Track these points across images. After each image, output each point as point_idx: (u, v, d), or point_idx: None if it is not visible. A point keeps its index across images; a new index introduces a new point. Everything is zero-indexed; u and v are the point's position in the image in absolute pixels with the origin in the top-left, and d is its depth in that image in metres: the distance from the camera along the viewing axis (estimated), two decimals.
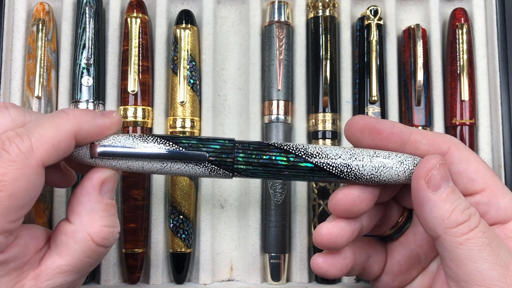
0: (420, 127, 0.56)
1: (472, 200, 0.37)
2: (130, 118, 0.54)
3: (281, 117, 0.56)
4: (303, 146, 0.38)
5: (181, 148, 0.37)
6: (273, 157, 0.38)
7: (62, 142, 0.34)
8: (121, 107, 0.55)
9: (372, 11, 0.57)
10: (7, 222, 0.32)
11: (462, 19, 0.58)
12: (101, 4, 0.56)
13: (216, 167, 0.38)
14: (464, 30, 0.57)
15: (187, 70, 0.55)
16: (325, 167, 0.37)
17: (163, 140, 0.38)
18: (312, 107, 0.56)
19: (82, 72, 0.54)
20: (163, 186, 0.55)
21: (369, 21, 0.57)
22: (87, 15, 0.54)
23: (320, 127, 0.56)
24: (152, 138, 0.38)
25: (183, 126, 0.54)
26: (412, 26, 0.57)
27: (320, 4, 0.57)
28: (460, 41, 0.57)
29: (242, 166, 0.38)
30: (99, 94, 0.54)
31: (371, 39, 0.56)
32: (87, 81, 0.54)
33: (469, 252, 0.33)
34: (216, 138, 0.39)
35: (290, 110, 0.57)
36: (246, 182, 0.56)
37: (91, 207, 0.37)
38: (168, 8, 0.58)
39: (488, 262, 0.33)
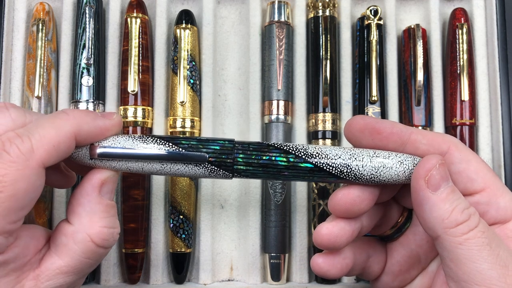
0: (420, 127, 0.56)
1: (472, 200, 0.37)
2: (130, 118, 0.54)
3: (281, 117, 0.56)
4: (303, 147, 0.38)
5: (180, 149, 0.37)
6: (273, 158, 0.38)
7: (62, 143, 0.34)
8: (121, 107, 0.55)
9: (372, 11, 0.57)
10: (8, 223, 0.32)
11: (462, 19, 0.58)
12: (101, 4, 0.56)
13: (216, 168, 0.38)
14: (464, 30, 0.57)
15: (187, 70, 0.55)
16: (325, 168, 0.37)
17: (162, 141, 0.38)
18: (312, 107, 0.56)
19: (82, 72, 0.54)
20: (163, 186, 0.55)
21: (369, 21, 0.57)
22: (87, 15, 0.54)
23: (320, 127, 0.56)
24: (151, 139, 0.38)
25: (183, 126, 0.54)
26: (412, 26, 0.57)
27: (320, 4, 0.57)
28: (460, 41, 0.57)
29: (242, 167, 0.38)
30: (99, 94, 0.54)
31: (371, 39, 0.56)
32: (87, 81, 0.54)
33: (469, 252, 0.33)
34: (215, 138, 0.39)
35: (290, 110, 0.57)
36: (246, 182, 0.56)
37: (91, 208, 0.37)
38: (168, 8, 0.58)
39: (487, 262, 0.33)
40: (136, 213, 0.53)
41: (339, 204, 0.38)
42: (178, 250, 0.54)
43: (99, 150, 0.37)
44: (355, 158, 0.37)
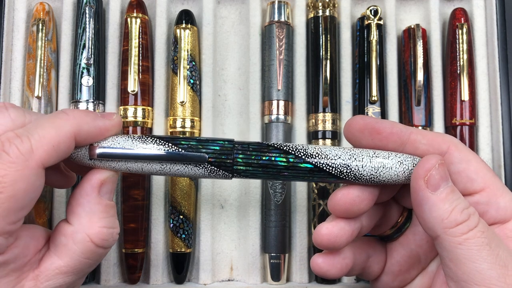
0: (420, 127, 0.56)
1: (472, 200, 0.37)
2: (130, 118, 0.54)
3: (281, 117, 0.56)
4: (303, 147, 0.38)
5: (180, 150, 0.37)
6: (273, 158, 0.38)
7: (62, 143, 0.34)
8: (121, 107, 0.55)
9: (372, 11, 0.57)
10: (7, 223, 0.32)
11: (462, 19, 0.58)
12: (101, 4, 0.56)
13: (215, 168, 0.38)
14: (464, 30, 0.57)
15: (187, 70, 0.55)
16: (324, 168, 0.37)
17: (162, 142, 0.38)
18: (312, 107, 0.56)
19: (82, 72, 0.54)
20: (163, 186, 0.55)
21: (369, 21, 0.57)
22: (87, 15, 0.54)
23: (320, 127, 0.56)
24: (151, 139, 0.38)
25: (183, 126, 0.55)
26: (412, 26, 0.57)
27: (320, 4, 0.57)
28: (460, 41, 0.57)
29: (241, 167, 0.38)
30: (99, 94, 0.54)
31: (371, 39, 0.56)
32: (87, 81, 0.54)
33: (468, 252, 0.33)
34: (215, 139, 0.39)
35: (290, 110, 0.57)
36: (246, 182, 0.56)
37: (90, 208, 0.37)
38: (168, 8, 0.58)
39: (487, 262, 0.33)
40: (136, 213, 0.53)
41: (339, 204, 0.38)
42: (178, 250, 0.54)
43: (98, 151, 0.37)
44: (355, 158, 0.37)
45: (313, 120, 0.56)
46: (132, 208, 0.53)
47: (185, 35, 0.56)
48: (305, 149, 0.38)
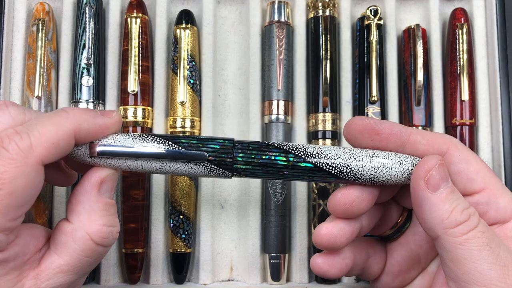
0: (420, 127, 0.56)
1: (472, 200, 0.37)
2: (130, 118, 0.54)
3: (281, 117, 0.56)
4: (303, 146, 0.38)
5: (180, 148, 0.37)
6: (273, 157, 0.38)
7: (61, 141, 0.34)
8: (121, 107, 0.55)
9: (372, 11, 0.57)
10: (7, 220, 0.32)
11: (462, 19, 0.58)
12: (101, 4, 0.56)
13: (215, 167, 0.38)
14: (464, 30, 0.57)
15: (187, 70, 0.55)
16: (324, 167, 0.37)
17: (162, 140, 0.38)
18: (312, 107, 0.56)
19: (82, 72, 0.54)
20: (163, 186, 0.55)
21: (369, 21, 0.57)
22: (87, 15, 0.54)
23: (320, 127, 0.56)
24: (151, 138, 0.38)
25: (183, 126, 0.54)
26: (412, 26, 0.57)
27: (320, 4, 0.57)
28: (460, 41, 0.57)
29: (241, 166, 0.38)
30: (99, 94, 0.54)
31: (371, 39, 0.56)
32: (87, 81, 0.54)
33: (469, 252, 0.33)
34: (215, 138, 0.39)
35: (290, 110, 0.57)
36: (246, 182, 0.56)
37: (90, 206, 0.37)
38: (168, 8, 0.58)
39: (487, 262, 0.33)
40: (136, 213, 0.53)
41: (339, 204, 0.38)
42: (178, 250, 0.54)
43: (98, 148, 0.37)
44: (355, 158, 0.37)
45: (313, 120, 0.56)
46: (132, 208, 0.53)
47: (185, 35, 0.56)
48: (305, 148, 0.38)
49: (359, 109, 0.56)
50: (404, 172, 0.37)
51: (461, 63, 0.56)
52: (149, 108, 0.55)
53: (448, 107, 0.57)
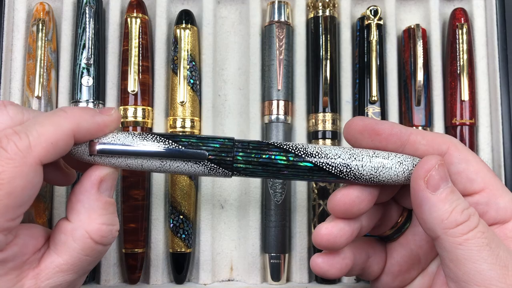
0: (420, 127, 0.56)
1: (471, 200, 0.37)
2: (130, 118, 0.54)
3: (281, 117, 0.56)
4: (303, 146, 0.38)
5: (180, 147, 0.37)
6: (273, 156, 0.38)
7: (60, 141, 0.34)
8: (121, 107, 0.55)
9: (372, 11, 0.57)
10: (6, 220, 0.32)
11: (462, 19, 0.58)
12: (101, 4, 0.56)
13: (215, 166, 0.38)
14: (464, 30, 0.57)
15: (187, 70, 0.55)
16: (324, 167, 0.37)
17: (162, 139, 0.38)
18: (312, 107, 0.56)
19: (82, 72, 0.54)
20: (163, 186, 0.55)
21: (369, 21, 0.57)
22: (87, 15, 0.54)
23: (320, 127, 0.56)
24: (151, 136, 0.38)
25: (183, 126, 0.55)
26: (412, 26, 0.57)
27: (320, 4, 0.57)
28: (460, 41, 0.57)
29: (241, 165, 0.38)
30: (99, 94, 0.54)
31: (371, 39, 0.56)
32: (87, 81, 0.54)
33: (469, 252, 0.33)
34: (215, 137, 0.39)
35: (290, 110, 0.57)
36: (246, 182, 0.56)
37: (90, 205, 0.37)
38: (168, 8, 0.58)
39: (487, 262, 0.33)
40: (136, 213, 0.53)
41: (338, 204, 0.38)
42: (178, 250, 0.54)
43: (98, 147, 0.37)
44: (355, 158, 0.37)
45: (313, 120, 0.56)
46: (132, 208, 0.53)
47: (185, 35, 0.56)
48: (305, 148, 0.38)
49: (359, 109, 0.56)
50: (404, 172, 0.37)
51: (461, 63, 0.56)
52: (149, 108, 0.55)
53: (448, 107, 0.57)
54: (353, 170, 0.37)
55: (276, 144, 0.38)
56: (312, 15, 0.58)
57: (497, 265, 0.33)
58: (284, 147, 0.38)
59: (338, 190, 0.38)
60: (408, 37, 0.58)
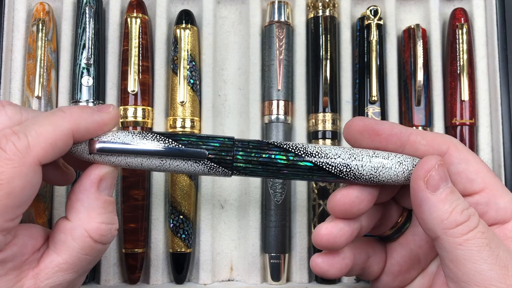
0: (420, 127, 0.56)
1: (471, 200, 0.36)
2: (130, 118, 0.54)
3: (281, 117, 0.56)
4: (303, 145, 0.38)
5: (180, 145, 0.37)
6: (273, 156, 0.38)
7: (59, 141, 0.34)
8: (121, 107, 0.55)
9: (372, 11, 0.57)
10: (5, 221, 0.32)
11: (462, 19, 0.58)
12: (101, 4, 0.56)
13: (215, 165, 0.38)
14: (464, 30, 0.57)
15: (187, 70, 0.55)
16: (324, 167, 0.37)
17: (162, 137, 0.38)
18: (312, 107, 0.56)
19: (82, 72, 0.54)
20: (163, 186, 0.55)
21: (369, 21, 0.57)
22: (87, 15, 0.54)
23: (320, 127, 0.56)
24: (151, 135, 0.38)
25: (183, 126, 0.54)
26: (412, 26, 0.57)
27: (320, 4, 0.57)
28: (460, 41, 0.57)
29: (241, 164, 0.38)
30: (99, 94, 0.54)
31: (371, 39, 0.56)
32: (87, 81, 0.54)
33: (469, 252, 0.33)
34: (215, 136, 0.39)
35: (290, 110, 0.57)
36: (246, 182, 0.56)
37: (89, 204, 0.37)
38: (168, 8, 0.58)
39: (487, 263, 0.33)
40: (136, 213, 0.53)
41: (338, 204, 0.38)
42: (178, 250, 0.54)
43: (98, 145, 0.37)
44: (355, 158, 0.37)
45: (313, 120, 0.56)
46: (132, 208, 0.53)
47: (185, 35, 0.56)
48: (305, 147, 0.38)
49: (359, 109, 0.56)
50: (403, 172, 0.37)
51: (461, 63, 0.56)
52: (149, 108, 0.55)
53: (448, 107, 0.57)
54: (353, 170, 0.37)
55: (276, 143, 0.38)
56: (312, 15, 0.58)
57: (497, 265, 0.33)
58: (284, 146, 0.38)
59: (337, 190, 0.38)
60: (408, 37, 0.58)
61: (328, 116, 0.56)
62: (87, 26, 0.54)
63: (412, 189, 0.35)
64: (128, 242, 0.53)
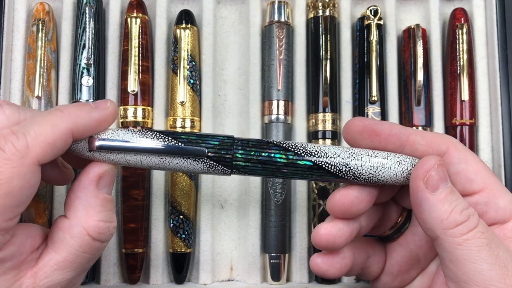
0: (420, 127, 0.56)
1: (471, 200, 0.36)
2: (130, 118, 0.54)
3: (281, 117, 0.56)
4: (302, 145, 0.38)
5: (180, 143, 0.37)
6: (272, 155, 0.38)
7: (58, 140, 0.34)
8: (121, 107, 0.55)
9: (372, 11, 0.57)
10: (3, 220, 0.32)
11: (462, 19, 0.57)
12: (101, 4, 0.56)
13: (214, 163, 0.38)
14: (464, 30, 0.57)
15: (187, 70, 0.55)
16: (323, 166, 0.37)
17: (162, 135, 0.38)
18: (312, 107, 0.56)
19: (82, 72, 0.54)
20: (163, 186, 0.55)
21: (369, 21, 0.57)
22: (87, 15, 0.54)
23: (320, 127, 0.56)
24: (151, 133, 0.38)
25: (183, 126, 0.55)
26: (412, 26, 0.57)
27: (320, 4, 0.57)
28: (460, 41, 0.57)
29: (240, 163, 0.38)
30: (99, 94, 0.54)
31: (371, 39, 0.56)
32: (87, 81, 0.54)
33: (468, 252, 0.33)
34: (215, 134, 0.39)
35: (290, 110, 0.57)
36: (246, 182, 0.56)
37: (88, 202, 0.37)
38: (168, 8, 0.58)
39: (487, 263, 0.33)
40: (136, 213, 0.53)
41: (337, 205, 0.38)
42: (178, 250, 0.54)
43: (98, 143, 0.37)
44: (354, 157, 0.37)
45: (313, 120, 0.56)
46: (132, 208, 0.53)
47: (185, 35, 0.56)
48: (305, 146, 0.38)
49: (359, 109, 0.56)
50: (403, 172, 0.37)
51: (461, 63, 0.56)
52: (149, 108, 0.55)
53: (448, 107, 0.57)
54: (352, 170, 0.37)
55: (275, 142, 0.38)
56: (312, 15, 0.58)
57: (496, 265, 0.33)
58: (284, 145, 0.38)
59: (337, 190, 0.38)
60: (408, 37, 0.58)
61: (328, 116, 0.56)
62: (87, 26, 0.54)
63: (411, 189, 0.35)
64: (128, 242, 0.53)
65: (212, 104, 0.56)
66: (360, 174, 0.37)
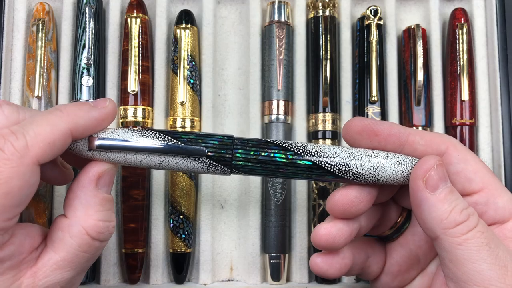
0: (420, 127, 0.56)
1: (470, 200, 0.36)
2: (130, 118, 0.54)
3: (281, 117, 0.56)
4: (302, 144, 0.38)
5: (179, 143, 0.37)
6: (272, 154, 0.38)
7: (57, 140, 0.34)
8: (121, 107, 0.55)
9: (372, 11, 0.57)
10: (3, 220, 0.32)
11: (462, 19, 0.57)
12: (101, 4, 0.56)
13: (214, 163, 0.38)
14: (464, 30, 0.57)
15: (187, 70, 0.55)
16: (323, 166, 0.37)
17: (161, 135, 0.38)
18: (312, 107, 0.56)
19: (82, 72, 0.54)
20: (163, 186, 0.55)
21: (369, 21, 0.57)
22: (87, 15, 0.54)
23: (320, 127, 0.56)
24: (150, 132, 0.38)
25: (183, 126, 0.55)
26: (412, 26, 0.57)
27: (320, 4, 0.57)
28: (460, 41, 0.57)
29: (240, 163, 0.38)
30: (99, 94, 0.54)
31: (371, 39, 0.56)
32: (87, 81, 0.54)
33: (468, 252, 0.33)
34: (215, 134, 0.39)
35: (290, 110, 0.57)
36: (246, 182, 0.56)
37: (87, 201, 0.37)
38: (168, 8, 0.58)
39: (487, 262, 0.33)
40: (136, 213, 0.53)
41: (337, 204, 0.38)
42: (178, 250, 0.54)
43: (97, 142, 0.37)
44: (354, 157, 0.37)
45: (313, 120, 0.56)
46: (132, 208, 0.53)
47: (185, 35, 0.56)
48: (304, 146, 0.38)
49: (359, 109, 0.56)
50: (403, 172, 0.37)
51: (461, 63, 0.56)
52: (149, 108, 0.55)
53: (448, 107, 0.57)
54: (352, 169, 0.37)
55: (275, 142, 0.38)
56: (312, 15, 0.58)
57: (496, 265, 0.33)
58: (283, 145, 0.38)
59: (336, 190, 0.38)
60: (408, 37, 0.58)
61: (328, 116, 0.56)
62: (87, 26, 0.54)
63: (411, 189, 0.35)
64: (128, 242, 0.53)
65: (212, 104, 0.56)
66: (360, 174, 0.37)
